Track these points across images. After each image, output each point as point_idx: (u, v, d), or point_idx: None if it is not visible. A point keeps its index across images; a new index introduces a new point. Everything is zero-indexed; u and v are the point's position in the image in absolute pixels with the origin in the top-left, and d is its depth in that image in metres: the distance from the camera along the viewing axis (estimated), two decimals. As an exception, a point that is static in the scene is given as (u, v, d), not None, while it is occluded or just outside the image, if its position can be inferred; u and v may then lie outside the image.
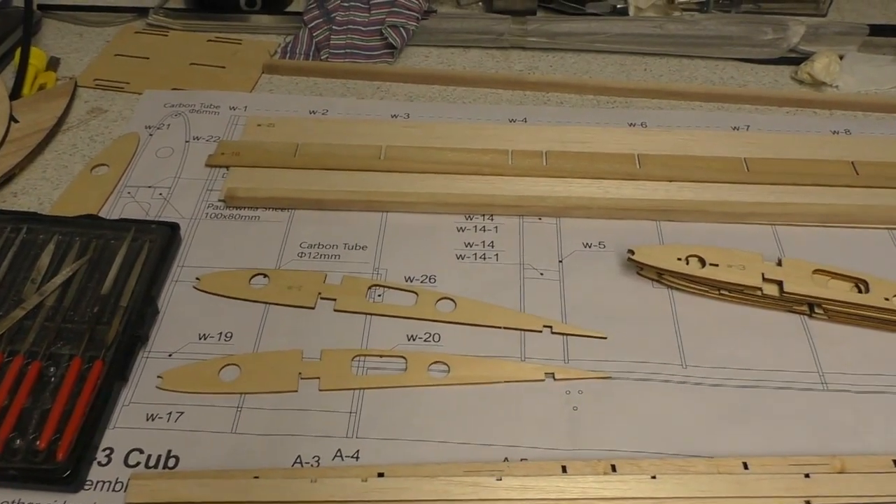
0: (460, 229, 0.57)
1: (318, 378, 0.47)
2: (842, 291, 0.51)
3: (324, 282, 0.53)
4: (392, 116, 0.67)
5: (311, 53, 0.75)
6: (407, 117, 0.67)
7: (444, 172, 0.60)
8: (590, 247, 0.56)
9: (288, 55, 0.75)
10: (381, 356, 0.48)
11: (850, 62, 0.73)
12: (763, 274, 0.51)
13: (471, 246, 0.56)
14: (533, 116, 0.67)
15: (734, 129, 0.66)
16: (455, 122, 0.66)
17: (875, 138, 0.65)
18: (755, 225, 0.58)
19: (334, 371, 0.48)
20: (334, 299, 0.52)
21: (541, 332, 0.50)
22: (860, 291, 0.51)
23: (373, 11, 0.77)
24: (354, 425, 0.45)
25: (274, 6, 0.80)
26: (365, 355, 0.48)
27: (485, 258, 0.55)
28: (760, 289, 0.51)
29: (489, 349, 0.49)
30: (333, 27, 0.76)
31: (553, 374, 0.48)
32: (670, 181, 0.60)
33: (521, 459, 0.44)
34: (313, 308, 0.51)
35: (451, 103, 0.70)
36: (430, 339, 0.50)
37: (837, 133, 0.66)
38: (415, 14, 0.75)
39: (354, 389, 0.47)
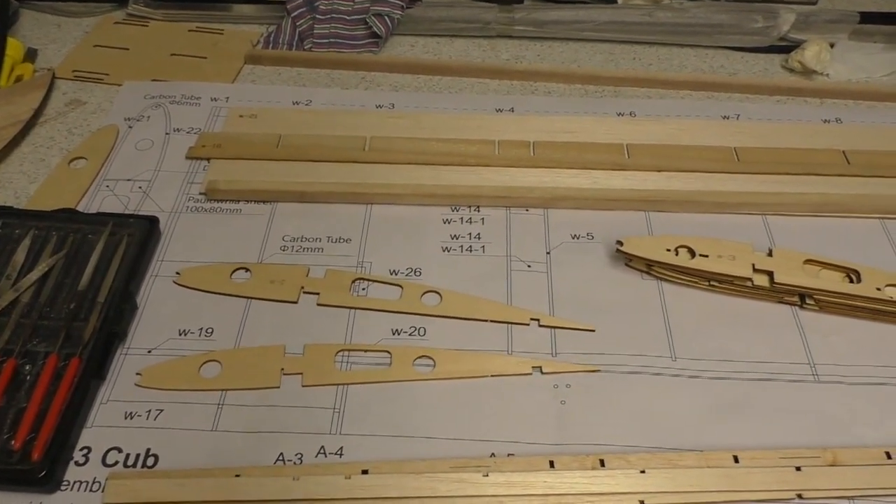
0: (446, 221, 0.56)
1: (301, 374, 0.46)
2: (833, 282, 0.50)
3: (307, 276, 0.52)
4: (377, 107, 0.66)
5: (294, 43, 0.74)
6: (392, 108, 0.66)
7: (429, 163, 0.59)
8: (578, 238, 0.55)
9: (270, 45, 0.73)
10: (365, 351, 0.47)
11: (841, 50, 0.72)
12: (753, 264, 0.50)
13: (457, 238, 0.55)
14: (520, 106, 0.66)
15: (724, 118, 0.66)
16: (441, 113, 0.65)
17: (866, 127, 0.65)
18: (745, 215, 0.57)
19: (317, 366, 0.47)
20: (317, 293, 0.51)
21: (528, 325, 0.49)
22: (851, 281, 0.50)
23: (357, 0, 0.75)
24: (338, 421, 0.44)
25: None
26: (349, 350, 0.47)
27: (471, 250, 0.54)
28: (751, 279, 0.50)
29: (476, 343, 0.48)
30: (317, 16, 0.74)
31: (540, 367, 0.47)
32: (659, 171, 0.59)
33: (509, 455, 0.43)
34: (296, 302, 0.50)
35: (437, 93, 0.69)
36: (416, 333, 0.49)
37: (828, 122, 0.65)
38: (400, 3, 0.74)
39: (338, 385, 0.46)
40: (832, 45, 0.72)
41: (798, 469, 0.42)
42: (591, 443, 0.43)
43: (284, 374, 0.46)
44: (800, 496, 0.41)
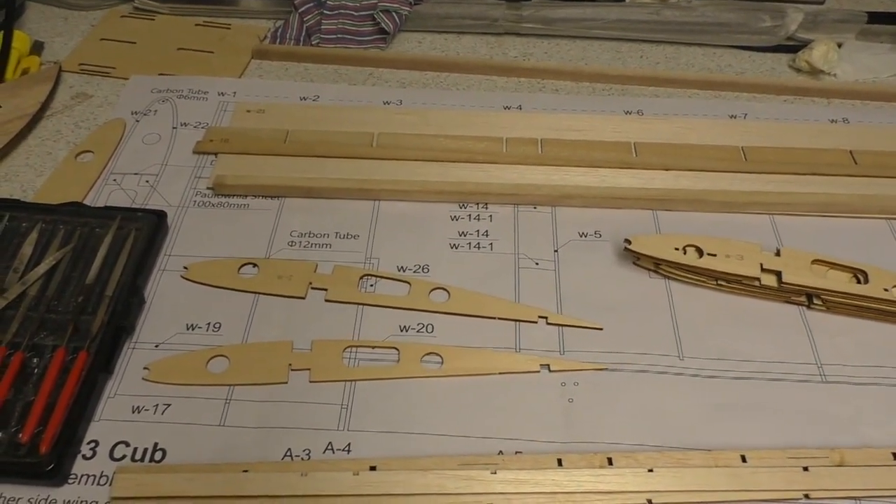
0: (454, 218, 0.56)
1: (309, 369, 0.46)
2: (841, 282, 0.50)
3: (314, 271, 0.52)
4: (384, 103, 0.66)
5: (301, 38, 0.73)
6: (399, 104, 0.66)
7: (437, 160, 0.59)
8: (585, 236, 0.55)
9: (278, 40, 0.73)
10: (373, 347, 0.47)
11: (849, 50, 0.72)
12: (761, 264, 0.50)
13: (465, 235, 0.55)
14: (528, 104, 0.66)
15: (731, 117, 0.65)
16: (449, 109, 0.65)
17: (873, 127, 0.65)
18: (753, 214, 0.57)
19: (325, 362, 0.47)
20: (325, 289, 0.51)
21: (536, 322, 0.49)
22: (859, 282, 0.50)
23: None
24: (346, 418, 0.44)
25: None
26: (357, 346, 0.47)
27: (479, 247, 0.54)
28: (759, 279, 0.50)
29: (483, 340, 0.48)
30: (325, 12, 0.74)
31: (548, 365, 0.47)
32: (667, 170, 0.59)
33: (516, 452, 0.43)
34: (304, 298, 0.50)
35: (444, 90, 0.69)
36: (424, 329, 0.49)
37: (836, 122, 0.65)
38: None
39: (346, 381, 0.46)
40: (840, 45, 0.72)
41: (805, 469, 0.42)
42: (598, 441, 0.43)
43: (292, 370, 0.46)
44: (807, 496, 0.41)
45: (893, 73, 0.71)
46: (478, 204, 0.57)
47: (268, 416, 0.44)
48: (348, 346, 0.47)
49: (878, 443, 0.44)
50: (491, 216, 0.56)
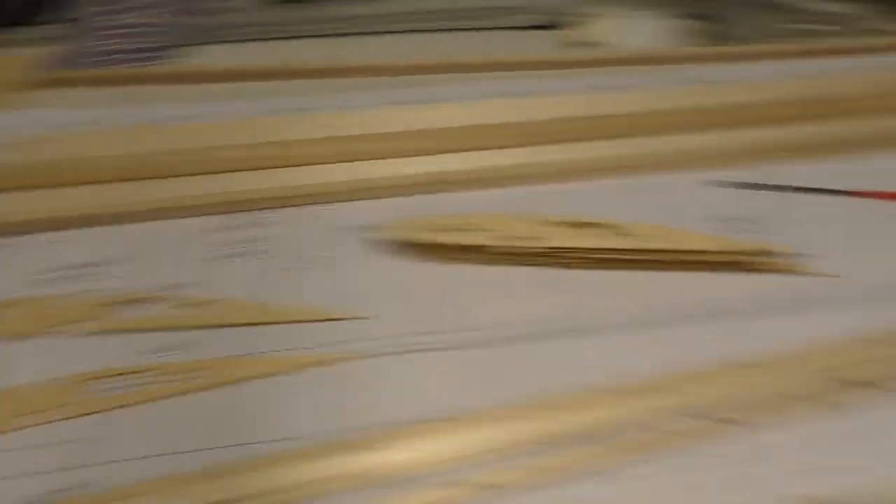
0: (219, 230, 0.54)
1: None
2: (598, 239, 0.51)
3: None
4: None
5: (77, 62, 0.70)
6: (188, 120, 0.63)
7: (204, 173, 0.57)
8: (357, 230, 0.54)
9: (55, 66, 0.70)
10: (121, 374, 0.45)
11: (619, 20, 0.75)
12: (516, 233, 0.51)
13: (231, 246, 0.53)
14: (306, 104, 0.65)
15: (510, 97, 0.66)
16: (224, 121, 0.63)
17: (641, 91, 0.67)
18: (527, 186, 0.58)
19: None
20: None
21: (311, 323, 0.48)
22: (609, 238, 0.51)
23: (144, 12, 0.73)
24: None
25: (24, 17, 0.75)
26: (98, 378, 0.45)
27: (247, 256, 0.53)
28: (518, 247, 0.50)
29: (255, 347, 0.46)
30: (102, 32, 0.72)
31: (322, 361, 0.45)
32: (444, 153, 0.59)
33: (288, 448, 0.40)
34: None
35: (218, 101, 0.67)
36: (186, 347, 0.47)
37: (605, 90, 0.68)
38: (185, 10, 0.72)
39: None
40: (612, 18, 0.75)
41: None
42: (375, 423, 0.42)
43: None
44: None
45: (657, 39, 0.75)
46: (244, 212, 0.56)
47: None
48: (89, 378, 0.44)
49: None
50: (260, 223, 0.55)
